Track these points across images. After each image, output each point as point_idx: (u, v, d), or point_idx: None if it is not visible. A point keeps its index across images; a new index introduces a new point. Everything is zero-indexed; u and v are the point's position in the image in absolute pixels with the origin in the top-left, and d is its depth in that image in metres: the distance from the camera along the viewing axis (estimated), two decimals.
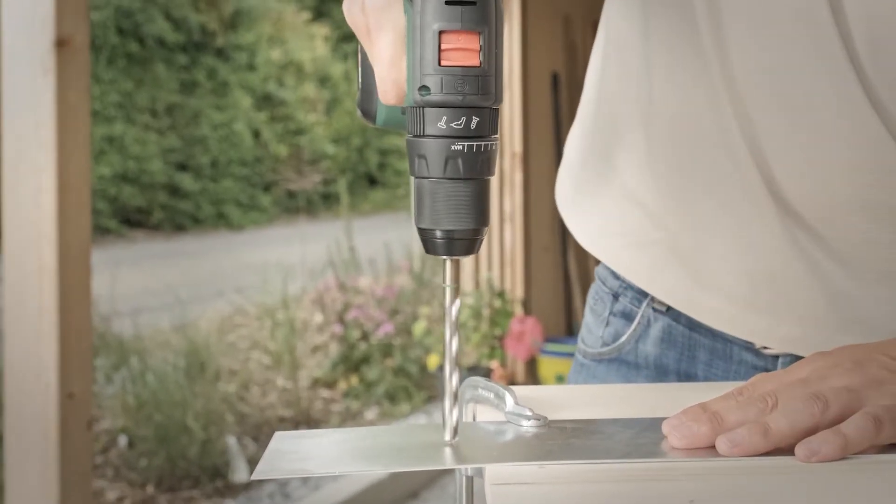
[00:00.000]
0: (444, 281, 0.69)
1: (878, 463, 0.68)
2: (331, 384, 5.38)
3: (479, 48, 0.64)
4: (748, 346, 0.99)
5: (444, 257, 0.68)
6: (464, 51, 0.64)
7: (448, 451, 0.70)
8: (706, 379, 1.01)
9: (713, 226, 0.93)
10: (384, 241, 6.94)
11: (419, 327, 5.24)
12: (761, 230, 0.90)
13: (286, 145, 15.50)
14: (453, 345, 0.70)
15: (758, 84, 0.83)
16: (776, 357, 0.98)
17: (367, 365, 5.36)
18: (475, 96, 0.64)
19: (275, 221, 14.38)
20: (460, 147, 0.65)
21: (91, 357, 2.65)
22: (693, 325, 1.01)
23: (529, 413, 0.76)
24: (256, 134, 14.98)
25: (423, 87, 0.64)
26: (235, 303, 6.45)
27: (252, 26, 15.25)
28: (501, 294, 5.10)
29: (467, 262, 5.18)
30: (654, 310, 1.03)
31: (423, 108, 0.65)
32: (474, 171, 0.65)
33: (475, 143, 0.65)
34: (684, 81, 0.88)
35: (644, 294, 1.04)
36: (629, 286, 1.05)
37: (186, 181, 13.47)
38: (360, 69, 0.78)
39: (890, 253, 0.88)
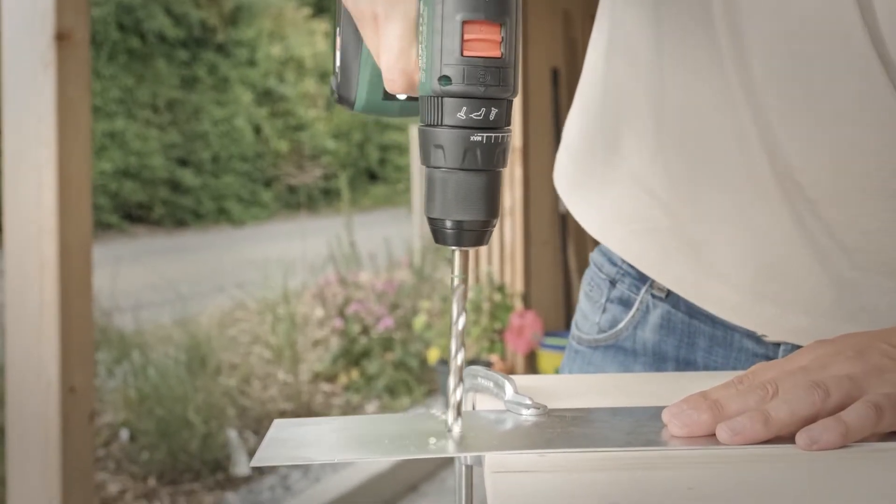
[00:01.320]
0: (452, 272, 0.69)
1: (879, 451, 0.68)
2: (331, 378, 5.39)
3: (500, 39, 0.64)
4: (749, 334, 0.98)
5: (454, 248, 0.68)
6: (486, 42, 0.63)
7: (448, 439, 0.70)
8: (706, 366, 1.00)
9: (721, 214, 0.92)
10: (384, 236, 6.95)
11: (419, 321, 5.25)
12: (768, 219, 0.89)
13: (287, 141, 15.50)
14: (460, 322, 0.69)
15: (773, 72, 0.82)
16: (777, 345, 0.97)
17: (368, 359, 5.37)
18: (496, 87, 0.64)
19: (275, 217, 14.39)
20: (479, 138, 0.65)
21: (92, 351, 2.66)
22: (693, 312, 1.00)
23: (529, 402, 0.76)
24: (257, 129, 14.99)
25: (444, 77, 0.64)
26: (236, 297, 6.45)
27: (252, 22, 15.25)
28: (501, 288, 5.10)
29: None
30: (653, 296, 1.02)
31: (442, 97, 0.64)
32: (491, 162, 0.65)
33: (493, 135, 0.65)
34: (696, 70, 0.87)
35: (642, 280, 1.03)
36: (626, 272, 1.04)
37: (187, 177, 13.48)
38: (337, 53, 0.76)
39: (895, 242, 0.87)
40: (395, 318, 5.48)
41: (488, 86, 0.64)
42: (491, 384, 0.81)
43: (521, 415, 0.75)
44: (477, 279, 5.19)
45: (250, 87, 15.05)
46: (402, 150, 16.04)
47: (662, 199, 0.96)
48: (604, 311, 1.07)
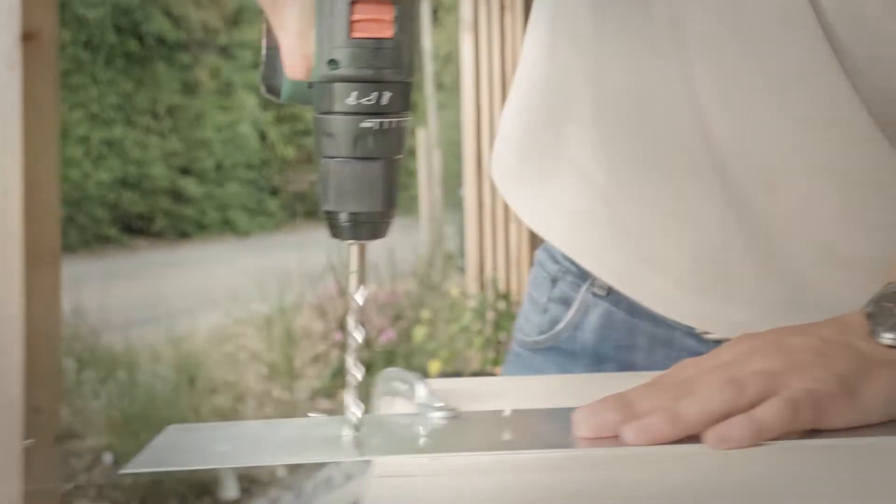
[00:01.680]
0: (350, 267, 0.68)
1: (794, 450, 0.64)
2: (331, 394, 5.39)
3: (392, 19, 0.62)
4: (690, 332, 0.96)
5: (350, 242, 0.66)
6: (376, 22, 0.62)
7: (344, 443, 0.70)
8: (647, 367, 0.98)
9: (660, 204, 0.92)
10: (389, 245, 6.91)
11: (419, 332, 5.27)
12: (706, 209, 0.89)
13: (293, 147, 15.49)
14: (357, 336, 0.69)
15: (710, 52, 0.82)
16: (718, 342, 0.93)
17: (370, 373, 5.30)
18: (388, 70, 0.62)
19: (283, 226, 14.38)
20: (371, 124, 0.63)
21: (60, 369, 2.62)
22: (633, 311, 0.98)
23: (439, 404, 0.74)
24: (262, 135, 15.00)
25: (332, 61, 0.62)
26: (233, 313, 6.44)
27: (256, 23, 15.17)
28: (506, 296, 5.11)
29: (472, 263, 5.26)
30: (594, 294, 1.00)
31: (332, 82, 0.63)
32: (385, 149, 0.64)
33: (386, 120, 0.63)
34: (634, 51, 0.87)
35: (583, 278, 1.01)
36: (568, 270, 1.02)
37: (190, 186, 13.48)
38: (264, 41, 0.75)
39: (837, 228, 0.87)
40: (397, 330, 5.51)
41: (379, 69, 0.62)
42: (405, 387, 0.79)
43: (430, 418, 0.74)
44: (482, 286, 5.22)
45: (254, 90, 15.04)
46: (410, 155, 16.05)
47: (602, 188, 0.95)
48: (545, 311, 1.06)
